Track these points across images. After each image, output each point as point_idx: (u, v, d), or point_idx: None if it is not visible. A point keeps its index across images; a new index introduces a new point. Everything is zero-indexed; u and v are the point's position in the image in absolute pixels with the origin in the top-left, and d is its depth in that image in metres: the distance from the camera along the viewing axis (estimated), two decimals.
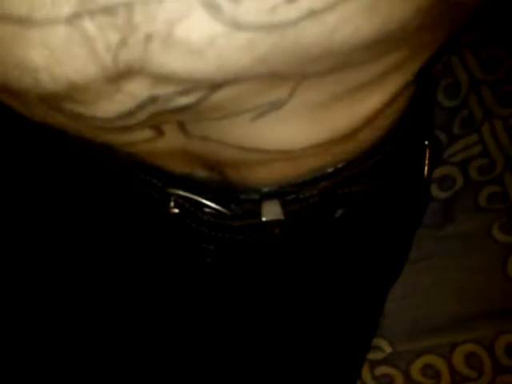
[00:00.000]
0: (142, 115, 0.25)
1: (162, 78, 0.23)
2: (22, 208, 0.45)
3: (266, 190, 0.38)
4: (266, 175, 0.36)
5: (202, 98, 0.25)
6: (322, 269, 0.43)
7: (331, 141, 0.31)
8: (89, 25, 0.21)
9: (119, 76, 0.23)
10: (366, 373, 0.49)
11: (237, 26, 0.21)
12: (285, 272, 0.43)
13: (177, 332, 0.43)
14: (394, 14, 0.21)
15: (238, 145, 0.30)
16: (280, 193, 0.38)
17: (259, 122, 0.28)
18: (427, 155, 0.44)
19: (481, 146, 0.52)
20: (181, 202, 0.38)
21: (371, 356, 0.49)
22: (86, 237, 0.44)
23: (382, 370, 0.49)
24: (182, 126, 0.30)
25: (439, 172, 0.53)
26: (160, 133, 0.30)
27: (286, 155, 0.32)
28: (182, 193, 0.38)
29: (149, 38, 0.21)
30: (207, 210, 0.39)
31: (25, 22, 0.21)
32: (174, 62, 0.22)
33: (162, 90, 0.24)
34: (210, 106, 0.25)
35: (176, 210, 0.39)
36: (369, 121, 0.31)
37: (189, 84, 0.24)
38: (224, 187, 0.38)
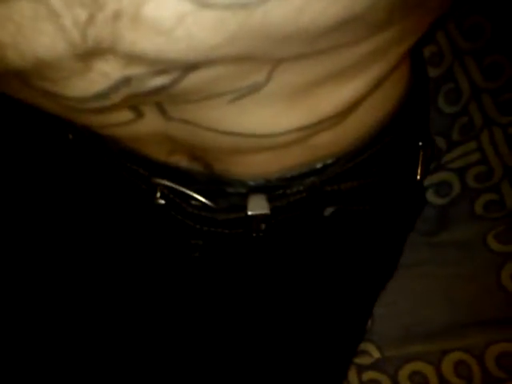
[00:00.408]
0: (116, 96, 0.25)
1: (133, 58, 0.23)
2: (9, 198, 0.46)
3: (252, 183, 0.38)
4: (251, 167, 0.36)
5: (176, 79, 0.25)
6: (310, 268, 0.43)
7: (313, 126, 0.31)
8: (55, 0, 0.21)
9: (89, 54, 0.23)
10: (353, 377, 0.48)
11: (204, 4, 0.21)
12: (273, 270, 0.43)
13: (165, 326, 0.43)
14: None
15: (215, 128, 0.30)
16: (267, 187, 0.38)
17: (237, 105, 0.28)
18: (421, 156, 0.44)
19: (479, 154, 0.52)
20: (167, 193, 0.38)
21: (359, 360, 0.48)
22: (75, 228, 0.44)
23: (369, 375, 0.48)
24: (161, 109, 0.30)
25: (436, 178, 0.53)
26: (140, 115, 0.30)
27: (266, 142, 0.31)
28: (167, 183, 0.38)
29: (117, 15, 0.21)
30: (193, 202, 0.39)
31: None
32: (144, 42, 0.22)
33: (135, 71, 0.24)
34: (185, 87, 0.25)
35: (162, 201, 0.39)
36: (353, 106, 0.31)
37: (161, 65, 0.24)
38: (211, 180, 0.38)
